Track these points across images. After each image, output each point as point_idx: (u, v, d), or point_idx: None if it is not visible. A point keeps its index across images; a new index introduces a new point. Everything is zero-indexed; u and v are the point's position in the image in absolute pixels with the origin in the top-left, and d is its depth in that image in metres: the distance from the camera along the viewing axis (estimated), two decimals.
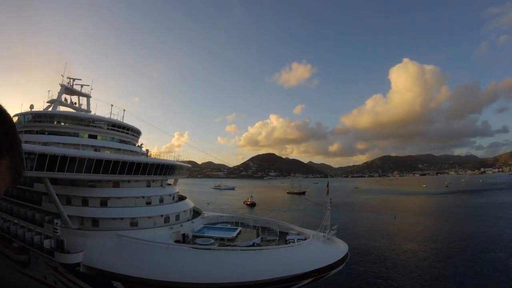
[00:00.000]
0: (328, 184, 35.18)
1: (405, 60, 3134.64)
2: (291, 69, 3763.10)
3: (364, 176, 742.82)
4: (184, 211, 32.65)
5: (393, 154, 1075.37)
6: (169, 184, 36.16)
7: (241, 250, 24.66)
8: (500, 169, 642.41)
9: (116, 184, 29.14)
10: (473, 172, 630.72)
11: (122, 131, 35.52)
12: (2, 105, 1.16)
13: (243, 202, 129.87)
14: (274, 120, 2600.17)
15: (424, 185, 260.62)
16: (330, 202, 30.40)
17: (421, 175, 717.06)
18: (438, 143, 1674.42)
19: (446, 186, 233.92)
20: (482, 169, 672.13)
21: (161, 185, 33.12)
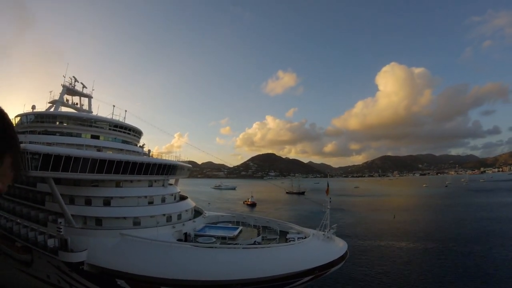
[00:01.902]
0: (328, 185, 35.52)
1: (393, 63, 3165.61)
2: (277, 78, 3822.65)
3: (364, 176, 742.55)
4: (186, 211, 32.94)
5: (389, 154, 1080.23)
6: (171, 184, 36.44)
7: (243, 248, 24.97)
8: (500, 169, 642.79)
9: (119, 184, 29.44)
10: (473, 172, 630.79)
11: (124, 132, 35.81)
12: (2, 107, 1.22)
13: (243, 202, 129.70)
14: (270, 121, 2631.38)
15: (424, 185, 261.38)
16: (330, 202, 30.68)
17: (421, 175, 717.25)
18: (430, 144, 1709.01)
19: (446, 186, 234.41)
20: (482, 169, 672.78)
21: (163, 185, 33.36)
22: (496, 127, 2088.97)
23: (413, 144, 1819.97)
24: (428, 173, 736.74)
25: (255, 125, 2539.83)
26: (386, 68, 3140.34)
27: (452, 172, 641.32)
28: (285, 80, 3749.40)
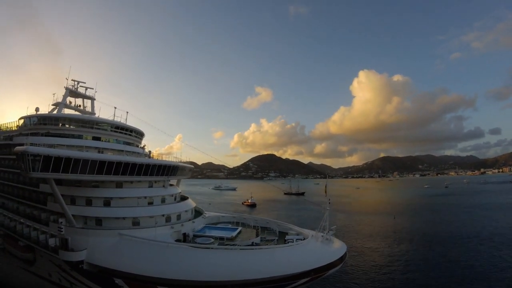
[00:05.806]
0: (326, 185, 36.30)
1: (365, 72, 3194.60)
2: (256, 94, 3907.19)
3: (364, 177, 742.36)
4: (186, 211, 33.17)
5: (382, 155, 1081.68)
6: (172, 185, 36.72)
7: (240, 249, 25.23)
8: (500, 170, 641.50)
9: (119, 185, 29.76)
10: (473, 172, 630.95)
11: (125, 133, 36.08)
12: None
13: (242, 203, 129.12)
14: (265, 124, 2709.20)
15: (426, 186, 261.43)
16: (329, 203, 30.82)
17: (421, 175, 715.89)
18: (420, 146, 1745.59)
19: (446, 187, 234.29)
20: (482, 170, 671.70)
21: (163, 186, 33.61)
22: (478, 127, 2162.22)
23: (400, 147, 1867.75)
24: (428, 174, 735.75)
25: (251, 128, 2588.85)
26: (360, 77, 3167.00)
27: (453, 173, 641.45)
28: (263, 95, 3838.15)
